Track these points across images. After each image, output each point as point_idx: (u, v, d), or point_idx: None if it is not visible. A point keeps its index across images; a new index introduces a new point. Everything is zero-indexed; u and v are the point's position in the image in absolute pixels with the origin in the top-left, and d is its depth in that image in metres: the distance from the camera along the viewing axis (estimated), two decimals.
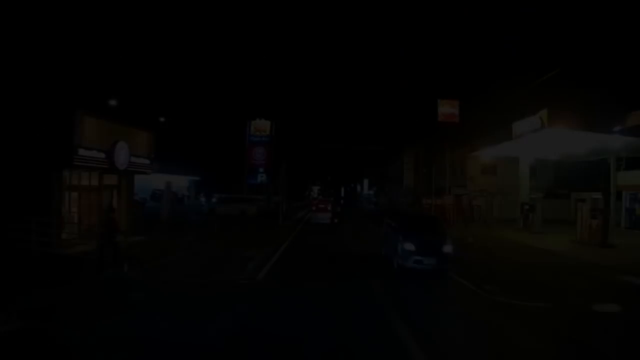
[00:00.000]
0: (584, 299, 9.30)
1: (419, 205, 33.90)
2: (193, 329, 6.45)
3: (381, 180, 63.50)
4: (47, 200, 13.57)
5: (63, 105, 13.88)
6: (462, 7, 40.70)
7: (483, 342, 6.68)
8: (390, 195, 54.41)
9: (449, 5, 42.95)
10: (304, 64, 76.05)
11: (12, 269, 9.73)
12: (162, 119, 24.50)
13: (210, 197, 54.20)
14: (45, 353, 5.67)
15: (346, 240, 19.41)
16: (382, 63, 66.71)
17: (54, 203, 13.78)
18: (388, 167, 56.88)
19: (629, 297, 9.84)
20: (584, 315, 8.19)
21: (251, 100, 46.46)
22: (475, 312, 8.36)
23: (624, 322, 7.91)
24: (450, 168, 34.97)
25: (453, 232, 20.20)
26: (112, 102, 21.40)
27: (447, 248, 11.28)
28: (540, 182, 34.40)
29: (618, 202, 24.02)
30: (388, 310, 8.05)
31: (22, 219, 12.12)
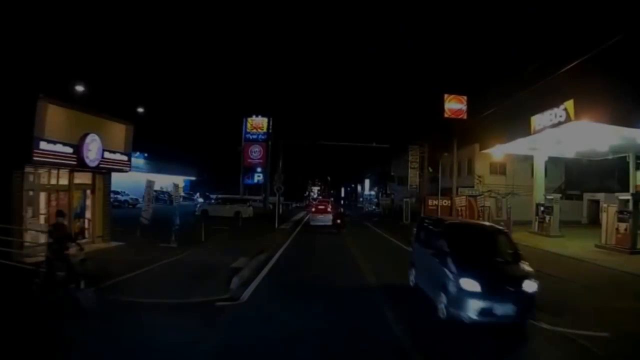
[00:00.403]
0: None
1: (424, 207, 31.99)
2: None
3: (383, 180, 61.57)
4: (6, 202, 11.73)
5: (22, 91, 12.05)
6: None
7: None
8: (392, 195, 52.51)
9: None
10: (304, 59, 74.32)
11: None
12: (141, 110, 22.43)
13: (207, 197, 52.61)
14: None
15: (351, 247, 17.40)
16: (386, 58, 64.98)
17: (14, 205, 11.93)
18: (390, 166, 54.98)
19: None
20: None
21: (249, 97, 44.78)
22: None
23: None
24: (456, 167, 33.12)
25: None
26: (83, 89, 19.34)
27: (531, 284, 6.91)
28: (550, 182, 32.68)
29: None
30: None
31: None
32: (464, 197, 20.22)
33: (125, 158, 14.60)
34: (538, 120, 17.86)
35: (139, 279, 9.56)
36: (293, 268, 12.41)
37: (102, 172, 14.54)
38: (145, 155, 49.94)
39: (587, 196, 34.44)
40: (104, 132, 13.90)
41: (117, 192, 40.31)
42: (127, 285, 8.96)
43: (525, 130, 20.24)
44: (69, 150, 12.51)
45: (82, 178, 14.44)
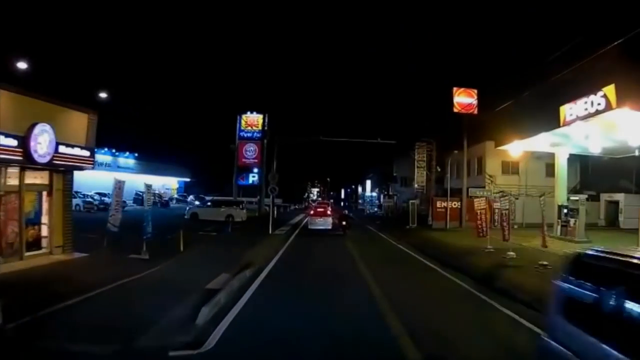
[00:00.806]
0: None
1: (432, 209, 29.72)
2: None
3: (385, 181, 59.32)
4: None
5: None
6: None
7: None
8: (395, 197, 50.24)
9: None
10: (302, 54, 72.10)
11: None
12: (104, 95, 19.94)
13: (201, 199, 50.31)
14: None
15: (358, 261, 14.78)
16: (387, 55, 62.72)
17: None
18: (393, 166, 52.72)
19: None
20: None
21: (245, 94, 42.46)
22: None
23: None
24: (466, 166, 30.87)
25: (484, 243, 16.25)
26: (30, 69, 16.77)
27: None
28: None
29: None
30: None
31: None
32: (483, 198, 17.95)
33: (86, 153, 12.27)
34: (569, 110, 15.61)
35: (81, 309, 7.25)
36: (283, 293, 9.48)
37: (60, 170, 12.26)
38: (136, 155, 47.70)
39: (604, 197, 32.31)
40: (60, 122, 11.62)
41: (103, 194, 38.05)
42: (60, 319, 6.67)
43: (548, 123, 18.07)
44: (13, 142, 10.22)
45: (36, 177, 12.14)
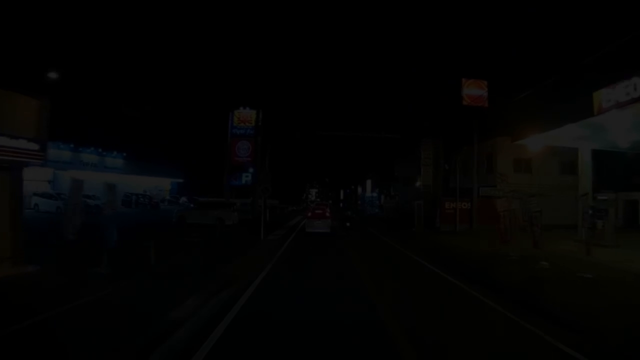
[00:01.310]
0: None
1: (440, 210, 27.63)
2: None
3: (386, 181, 57.18)
4: None
5: None
6: None
7: None
8: (398, 197, 48.10)
9: None
10: (299, 46, 69.94)
11: None
12: (54, 75, 17.63)
13: (195, 201, 48.15)
14: None
15: (360, 270, 12.71)
16: (390, 49, 60.60)
17: None
18: (395, 166, 50.55)
19: None
20: None
21: (239, 88, 40.21)
22: None
23: None
24: (476, 164, 28.81)
25: (504, 248, 14.10)
26: None
27: None
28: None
29: None
30: None
31: None
32: (506, 198, 15.91)
33: (34, 146, 10.12)
34: (606, 96, 13.49)
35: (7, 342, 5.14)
36: (267, 325, 6.90)
37: (3, 166, 10.13)
38: (124, 154, 45.48)
39: (621, 196, 30.37)
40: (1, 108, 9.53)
41: (88, 197, 35.95)
42: None
43: (573, 113, 16.00)
44: None
45: None
